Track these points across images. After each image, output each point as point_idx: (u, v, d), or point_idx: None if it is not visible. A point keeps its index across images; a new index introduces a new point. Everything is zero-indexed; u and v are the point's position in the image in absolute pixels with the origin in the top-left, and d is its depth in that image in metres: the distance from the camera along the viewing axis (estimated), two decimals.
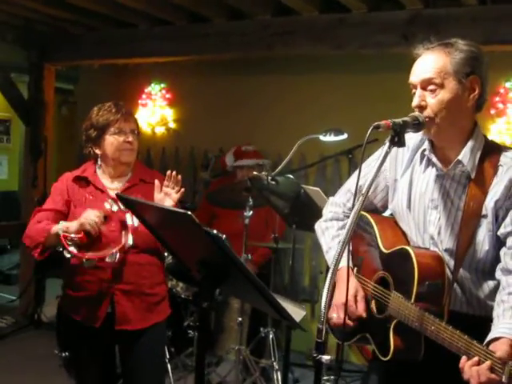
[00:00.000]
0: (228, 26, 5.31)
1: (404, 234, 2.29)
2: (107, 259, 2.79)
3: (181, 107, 6.51)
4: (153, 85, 6.70)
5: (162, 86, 6.68)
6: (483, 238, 2.10)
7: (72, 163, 7.47)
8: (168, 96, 6.63)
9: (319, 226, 2.53)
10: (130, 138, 2.97)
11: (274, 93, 5.98)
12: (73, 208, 2.98)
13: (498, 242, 2.09)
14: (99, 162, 3.06)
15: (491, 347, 1.88)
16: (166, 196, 2.89)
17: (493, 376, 1.82)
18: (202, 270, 2.07)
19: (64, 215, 2.97)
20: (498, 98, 5.02)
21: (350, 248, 2.34)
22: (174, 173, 2.91)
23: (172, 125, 6.60)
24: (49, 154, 6.37)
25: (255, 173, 4.22)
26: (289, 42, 5.02)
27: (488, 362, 1.83)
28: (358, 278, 2.34)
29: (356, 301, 2.24)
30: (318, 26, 4.89)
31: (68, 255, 2.76)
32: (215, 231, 1.82)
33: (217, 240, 1.80)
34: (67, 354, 4.74)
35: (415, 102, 2.11)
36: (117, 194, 2.41)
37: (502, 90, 5.02)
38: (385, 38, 4.63)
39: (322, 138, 4.36)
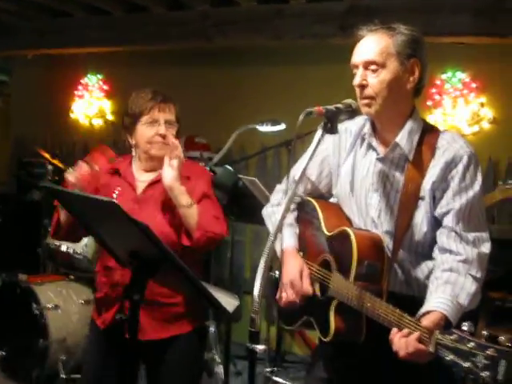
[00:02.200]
0: (167, 17, 5.25)
1: (348, 218, 2.31)
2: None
3: (118, 99, 6.41)
4: (89, 76, 6.57)
5: (99, 77, 6.55)
6: (421, 220, 2.12)
7: (8, 156, 7.30)
8: (105, 87, 6.51)
9: (266, 211, 2.54)
10: (163, 131, 2.66)
11: (214, 85, 5.94)
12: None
13: (436, 224, 2.12)
14: (134, 153, 2.79)
15: (422, 320, 1.91)
16: (169, 167, 2.59)
17: (420, 346, 1.85)
18: (134, 261, 2.03)
19: None
20: (434, 90, 5.09)
21: (297, 231, 2.40)
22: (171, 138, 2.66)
23: (110, 117, 6.49)
24: None
25: None
26: (228, 32, 5.00)
27: (416, 333, 1.86)
28: (305, 262, 2.34)
29: (301, 278, 2.23)
30: (256, 16, 4.88)
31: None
32: None
33: (144, 229, 1.75)
34: (3, 352, 4.63)
35: (356, 80, 2.12)
36: (40, 184, 2.29)
37: (438, 82, 5.09)
38: (322, 28, 4.66)
39: (259, 128, 4.33)
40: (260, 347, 1.83)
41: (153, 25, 5.30)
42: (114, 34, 5.47)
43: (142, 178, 2.74)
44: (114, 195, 2.70)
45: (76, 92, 6.61)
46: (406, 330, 1.89)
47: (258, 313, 1.80)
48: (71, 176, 2.62)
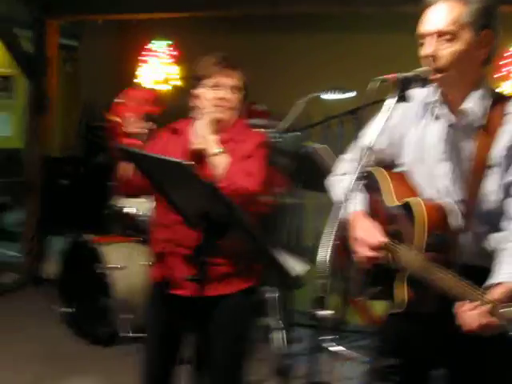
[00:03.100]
0: None
1: (417, 188, 2.25)
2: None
3: (185, 65, 6.43)
4: (157, 42, 6.61)
5: (167, 42, 6.58)
6: (494, 188, 2.07)
7: (77, 120, 7.44)
8: (174, 53, 6.54)
9: (329, 180, 2.51)
10: (222, 94, 2.70)
11: (280, 51, 5.92)
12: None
13: (507, 193, 2.06)
14: (195, 114, 2.82)
15: (489, 293, 1.87)
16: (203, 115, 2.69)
17: (492, 319, 1.82)
18: (203, 222, 2.05)
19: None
20: (503, 62, 4.93)
21: (367, 200, 2.35)
22: None
23: (178, 83, 6.53)
24: (53, 111, 6.32)
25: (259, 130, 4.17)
26: None
27: (488, 306, 1.82)
28: None
29: (370, 232, 2.19)
30: None
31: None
32: None
33: (216, 191, 1.77)
34: (70, 310, 4.79)
35: (427, 50, 2.05)
36: (117, 146, 2.35)
37: (507, 54, 4.93)
38: None
39: (327, 96, 4.31)
40: (324, 312, 1.83)
41: None
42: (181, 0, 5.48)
43: (199, 140, 2.76)
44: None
45: (142, 58, 6.66)
46: (474, 303, 1.85)
47: (326, 278, 1.80)
48: (131, 127, 2.70)
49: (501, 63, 4.93)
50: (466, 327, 1.87)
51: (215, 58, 2.75)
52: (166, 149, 2.71)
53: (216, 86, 2.70)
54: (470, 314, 1.86)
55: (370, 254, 2.17)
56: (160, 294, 2.77)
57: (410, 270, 2.09)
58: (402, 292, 2.10)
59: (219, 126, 2.72)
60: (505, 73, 4.95)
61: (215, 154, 2.61)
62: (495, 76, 4.93)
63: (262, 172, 2.71)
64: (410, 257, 2.08)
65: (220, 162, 2.61)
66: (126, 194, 2.87)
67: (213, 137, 2.64)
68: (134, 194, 2.90)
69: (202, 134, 2.64)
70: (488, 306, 1.83)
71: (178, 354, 2.81)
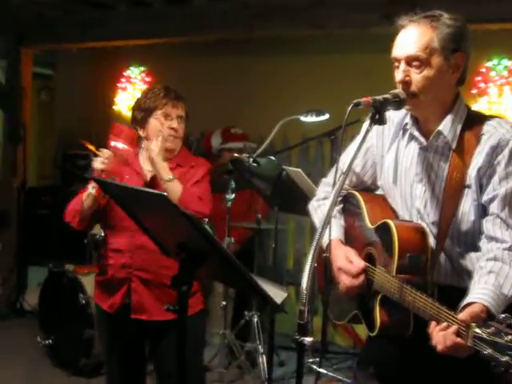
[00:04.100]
0: (207, 7, 5.24)
1: (393, 210, 2.28)
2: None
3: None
4: (132, 68, 6.62)
5: (142, 69, 6.60)
6: (469, 209, 2.07)
7: (53, 149, 7.41)
8: (148, 79, 6.56)
9: (312, 205, 2.52)
10: (175, 125, 2.87)
11: (255, 74, 5.93)
12: None
13: (484, 212, 2.07)
14: (143, 145, 2.95)
15: (460, 313, 1.86)
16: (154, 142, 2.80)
17: (458, 340, 1.81)
18: (181, 252, 2.04)
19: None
20: (479, 78, 4.99)
21: (342, 223, 2.38)
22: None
23: None
24: (28, 139, 6.29)
25: (236, 155, 4.19)
26: (269, 22, 4.98)
27: (454, 327, 1.82)
28: None
29: (350, 260, 2.20)
30: (298, 6, 4.84)
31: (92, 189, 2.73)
32: None
33: (193, 221, 1.76)
34: (50, 341, 4.72)
35: (399, 77, 2.07)
36: (92, 177, 2.35)
37: (483, 70, 4.99)
38: (365, 17, 4.60)
39: (303, 118, 4.34)
40: (308, 339, 1.82)
41: (193, 15, 5.30)
42: (154, 26, 5.49)
43: (150, 168, 2.89)
44: (124, 181, 2.84)
45: (119, 84, 6.66)
46: (444, 324, 1.85)
47: (306, 304, 1.79)
48: (99, 163, 2.71)
49: (477, 79, 4.98)
50: (437, 348, 1.87)
51: (162, 90, 2.91)
52: (122, 179, 2.83)
53: (165, 117, 2.87)
54: (439, 335, 1.85)
55: (354, 282, 2.18)
56: (119, 320, 2.84)
57: (383, 292, 2.09)
58: (375, 315, 2.11)
59: (168, 155, 2.88)
60: (481, 88, 5.00)
61: (169, 181, 2.74)
62: (472, 92, 4.97)
63: (210, 196, 2.91)
64: (384, 279, 2.08)
65: (173, 188, 2.73)
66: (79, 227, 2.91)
67: (165, 164, 2.77)
68: (82, 227, 2.92)
69: (154, 162, 2.76)
70: (455, 327, 1.82)
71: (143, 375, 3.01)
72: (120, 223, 2.81)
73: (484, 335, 1.71)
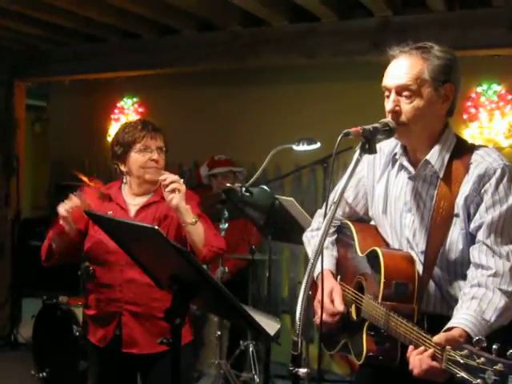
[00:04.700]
0: (198, 38, 5.29)
1: (384, 240, 2.29)
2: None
3: (154, 121, 6.40)
4: (125, 99, 6.67)
5: (135, 100, 6.65)
6: (457, 238, 2.09)
7: (46, 180, 7.41)
8: (140, 110, 6.60)
9: (305, 236, 2.53)
10: (156, 156, 2.87)
11: (247, 103, 5.96)
12: (91, 224, 2.88)
13: (473, 241, 2.07)
14: (125, 180, 2.98)
15: (435, 337, 1.85)
16: (173, 193, 2.70)
17: (433, 363, 1.81)
18: (174, 285, 2.04)
19: (80, 231, 2.88)
20: (469, 103, 5.04)
21: (335, 254, 2.40)
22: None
23: None
24: (21, 172, 6.29)
25: (229, 185, 4.20)
26: (259, 52, 5.02)
27: (430, 350, 1.82)
28: (340, 285, 2.34)
29: (332, 297, 2.23)
30: (287, 35, 4.89)
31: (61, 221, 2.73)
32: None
33: (185, 254, 1.76)
34: (45, 374, 4.68)
35: (389, 107, 2.10)
36: (84, 210, 2.36)
37: (473, 95, 5.04)
38: (355, 45, 4.64)
39: (294, 147, 4.36)
40: (303, 370, 1.81)
41: (184, 46, 5.34)
42: (146, 57, 5.53)
43: (134, 202, 2.93)
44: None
45: (112, 116, 6.70)
46: (421, 348, 1.85)
47: (299, 336, 1.79)
48: (62, 208, 2.72)
49: (467, 104, 5.02)
50: (413, 372, 1.86)
51: (139, 124, 2.92)
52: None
53: (146, 149, 2.86)
54: (416, 359, 1.86)
55: (329, 320, 2.20)
56: (109, 353, 2.86)
57: (370, 320, 2.10)
58: (362, 343, 2.11)
59: (150, 187, 2.91)
60: (471, 114, 5.04)
61: (193, 224, 2.70)
62: (463, 117, 5.01)
63: (214, 228, 2.92)
64: (371, 307, 2.09)
65: (197, 230, 2.72)
66: (50, 264, 2.93)
67: (188, 207, 2.72)
68: (49, 264, 2.94)
69: (176, 204, 2.68)
70: (431, 351, 1.82)
71: None
72: (108, 258, 2.81)
73: (457, 357, 1.70)
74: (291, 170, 4.96)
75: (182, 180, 2.74)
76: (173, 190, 2.68)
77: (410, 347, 1.89)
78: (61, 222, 2.73)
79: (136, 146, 2.86)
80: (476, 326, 1.89)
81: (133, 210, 2.91)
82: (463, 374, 1.67)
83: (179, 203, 2.68)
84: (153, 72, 5.71)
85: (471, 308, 1.93)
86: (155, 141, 2.89)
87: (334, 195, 2.06)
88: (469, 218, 2.07)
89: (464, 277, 2.09)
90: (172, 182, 2.69)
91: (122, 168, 2.94)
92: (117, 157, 2.94)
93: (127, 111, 6.64)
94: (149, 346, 2.79)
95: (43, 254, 2.91)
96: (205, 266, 1.96)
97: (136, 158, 2.87)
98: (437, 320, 2.04)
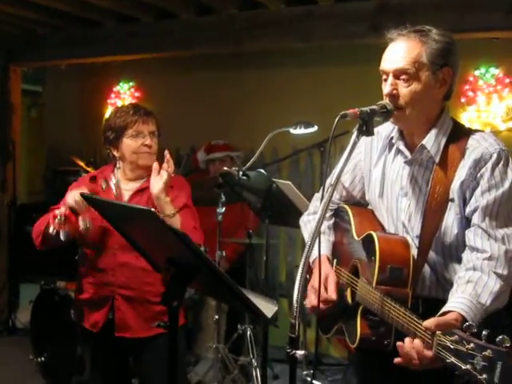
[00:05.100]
0: (195, 22, 5.26)
1: (380, 224, 2.28)
2: (80, 224, 2.73)
3: (150, 105, 6.35)
4: (121, 83, 6.64)
5: (131, 84, 6.62)
6: (452, 222, 2.08)
7: (42, 165, 7.39)
8: (137, 94, 6.58)
9: (302, 220, 2.53)
10: (148, 141, 2.86)
11: (245, 87, 5.94)
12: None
13: (469, 225, 2.07)
14: (118, 164, 2.96)
15: (425, 321, 1.84)
16: (158, 177, 2.72)
17: (426, 352, 1.79)
18: (171, 268, 2.03)
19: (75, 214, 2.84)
20: (467, 87, 5.02)
21: (332, 239, 2.40)
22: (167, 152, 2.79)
23: None
24: (17, 156, 6.26)
25: (226, 168, 4.19)
26: (256, 36, 4.99)
27: (418, 339, 1.81)
28: (336, 269, 2.34)
29: (326, 284, 2.22)
30: (285, 19, 4.86)
31: (50, 230, 2.69)
32: None
33: (181, 236, 1.76)
34: (43, 358, 4.69)
35: (387, 90, 2.09)
36: (80, 194, 2.35)
37: (471, 78, 5.02)
38: (353, 28, 4.62)
39: (292, 130, 4.35)
40: (300, 352, 1.82)
41: (181, 30, 5.30)
42: (142, 41, 5.50)
43: (127, 187, 2.92)
44: None
45: (109, 100, 6.67)
46: (411, 337, 1.85)
47: (297, 318, 1.79)
48: (70, 199, 2.70)
49: (465, 88, 5.01)
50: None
51: (131, 108, 2.90)
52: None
53: (138, 134, 2.84)
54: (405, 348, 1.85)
55: (319, 304, 2.17)
56: (102, 338, 2.87)
57: (364, 304, 2.10)
58: (356, 327, 2.11)
59: (144, 172, 2.88)
60: (469, 97, 5.02)
61: (170, 216, 2.69)
62: (461, 100, 4.99)
63: (198, 221, 2.88)
64: (365, 291, 2.09)
65: (174, 223, 2.68)
66: (45, 248, 2.91)
67: (168, 199, 2.71)
68: (43, 248, 2.93)
69: (156, 194, 2.69)
70: (419, 339, 1.81)
71: None
72: (102, 242, 2.82)
73: (447, 343, 1.70)
74: (288, 154, 4.96)
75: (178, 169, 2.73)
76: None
77: (407, 339, 1.87)
78: (61, 210, 2.70)
79: (128, 132, 2.85)
80: (472, 310, 1.88)
81: (126, 195, 2.91)
82: (453, 360, 1.67)
83: (159, 194, 2.68)
84: (149, 56, 5.67)
85: (466, 292, 1.93)
86: (147, 125, 2.87)
87: (331, 178, 2.06)
88: (464, 202, 2.06)
89: (459, 260, 2.09)
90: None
91: (115, 153, 2.92)
92: (109, 142, 2.92)
93: (123, 96, 6.61)
94: (141, 329, 2.80)
95: (40, 240, 2.88)
96: (202, 249, 1.95)
97: (128, 143, 2.86)
98: (432, 304, 2.04)
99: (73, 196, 2.69)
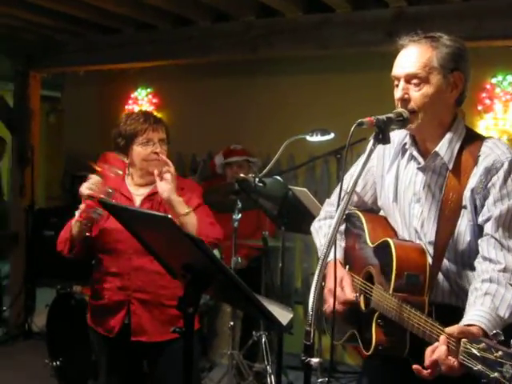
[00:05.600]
0: (212, 29, 5.28)
1: (393, 230, 2.29)
2: (92, 214, 2.75)
3: (168, 111, 6.46)
4: (139, 90, 6.67)
5: (149, 90, 6.66)
6: (465, 229, 2.09)
7: (61, 171, 7.45)
8: (154, 101, 6.61)
9: (313, 226, 2.55)
10: (158, 149, 2.88)
11: (261, 94, 5.95)
12: None
13: (480, 233, 2.07)
14: (128, 171, 3.00)
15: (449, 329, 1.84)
16: (163, 181, 2.79)
17: (449, 360, 1.78)
18: (187, 274, 2.04)
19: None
20: (484, 94, 5.01)
21: (343, 245, 2.40)
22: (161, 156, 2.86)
23: None
24: (36, 162, 6.31)
25: (242, 175, 4.20)
26: (273, 43, 5.00)
27: (444, 346, 1.80)
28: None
29: (342, 286, 2.23)
30: (302, 26, 4.86)
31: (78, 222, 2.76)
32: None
33: (198, 243, 1.77)
34: (58, 363, 4.71)
35: (398, 94, 2.10)
36: (99, 199, 2.37)
37: (488, 86, 5.01)
38: (370, 36, 4.62)
39: (308, 138, 4.36)
40: (315, 360, 1.82)
41: (198, 37, 5.33)
42: (160, 47, 5.52)
43: (138, 192, 2.96)
44: None
45: (126, 106, 6.71)
46: (436, 344, 1.84)
47: (312, 326, 1.79)
48: (84, 188, 2.75)
49: (482, 95, 4.99)
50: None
51: (141, 116, 2.92)
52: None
53: (148, 142, 2.87)
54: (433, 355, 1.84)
55: (339, 307, 2.19)
56: (118, 342, 2.88)
57: (380, 310, 2.09)
58: (371, 334, 2.10)
59: (152, 178, 2.88)
60: (486, 105, 5.01)
61: (186, 214, 2.75)
62: (478, 108, 4.98)
63: (213, 218, 2.93)
64: (381, 297, 2.09)
65: (191, 220, 2.76)
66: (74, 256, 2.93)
67: (180, 199, 2.77)
68: (73, 255, 2.94)
69: (167, 197, 2.76)
70: (445, 347, 1.80)
71: None
72: (116, 247, 2.84)
73: (474, 351, 1.70)
74: (305, 161, 4.96)
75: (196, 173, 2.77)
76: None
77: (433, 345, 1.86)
78: (83, 205, 2.73)
79: (138, 139, 2.88)
80: (491, 323, 1.88)
81: (138, 200, 2.94)
82: (480, 367, 1.66)
83: (170, 196, 2.74)
84: (167, 63, 5.70)
85: (485, 305, 1.92)
86: (157, 133, 2.90)
87: (347, 185, 2.06)
88: (475, 210, 2.07)
89: (471, 267, 2.09)
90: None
91: (125, 160, 2.97)
92: (119, 148, 2.96)
93: (141, 102, 6.65)
94: (157, 333, 2.82)
95: (66, 247, 2.90)
96: (218, 255, 1.97)
97: (138, 151, 2.89)
98: (445, 310, 2.05)
99: (84, 185, 2.75)
